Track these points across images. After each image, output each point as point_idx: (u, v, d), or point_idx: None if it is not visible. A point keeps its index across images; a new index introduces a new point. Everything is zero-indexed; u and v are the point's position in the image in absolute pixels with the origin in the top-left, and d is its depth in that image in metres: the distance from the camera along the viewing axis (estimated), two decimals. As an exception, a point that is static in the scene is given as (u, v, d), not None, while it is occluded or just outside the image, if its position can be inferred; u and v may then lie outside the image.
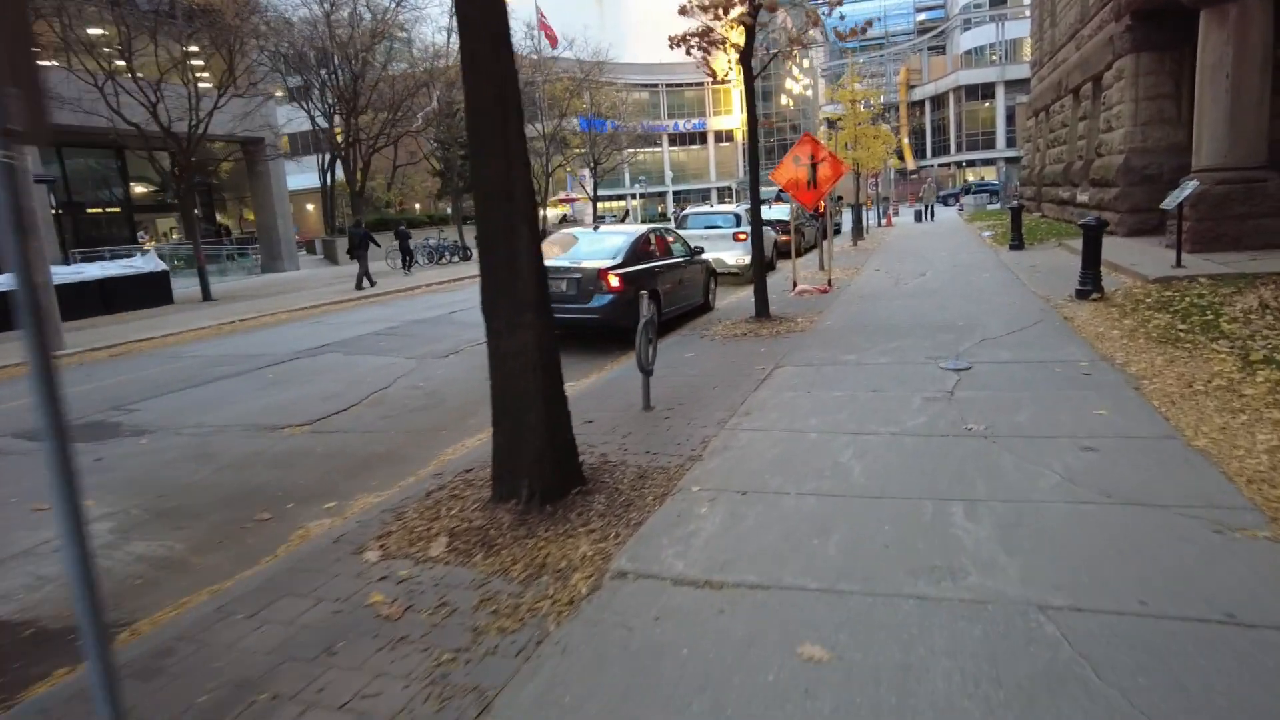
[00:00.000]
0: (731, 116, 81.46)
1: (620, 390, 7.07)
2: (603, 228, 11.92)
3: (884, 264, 16.52)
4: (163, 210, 30.60)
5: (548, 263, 5.02)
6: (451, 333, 11.74)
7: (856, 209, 24.57)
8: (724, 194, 78.12)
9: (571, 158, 42.80)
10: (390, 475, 5.23)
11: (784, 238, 21.19)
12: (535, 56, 38.04)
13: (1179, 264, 10.61)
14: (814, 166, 12.92)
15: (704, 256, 12.07)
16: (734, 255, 15.58)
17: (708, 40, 11.10)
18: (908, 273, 14.50)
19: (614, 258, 9.62)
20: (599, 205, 74.95)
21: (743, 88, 10.83)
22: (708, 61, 11.62)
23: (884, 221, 33.00)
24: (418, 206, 56.00)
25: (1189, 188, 11.01)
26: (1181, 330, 7.33)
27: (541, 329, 4.15)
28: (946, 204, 48.34)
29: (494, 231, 4.10)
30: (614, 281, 9.31)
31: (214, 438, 6.56)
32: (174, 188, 21.04)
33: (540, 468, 4.13)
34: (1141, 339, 7.25)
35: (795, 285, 13.18)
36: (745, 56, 10.36)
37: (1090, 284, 9.47)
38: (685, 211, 17.56)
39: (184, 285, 20.07)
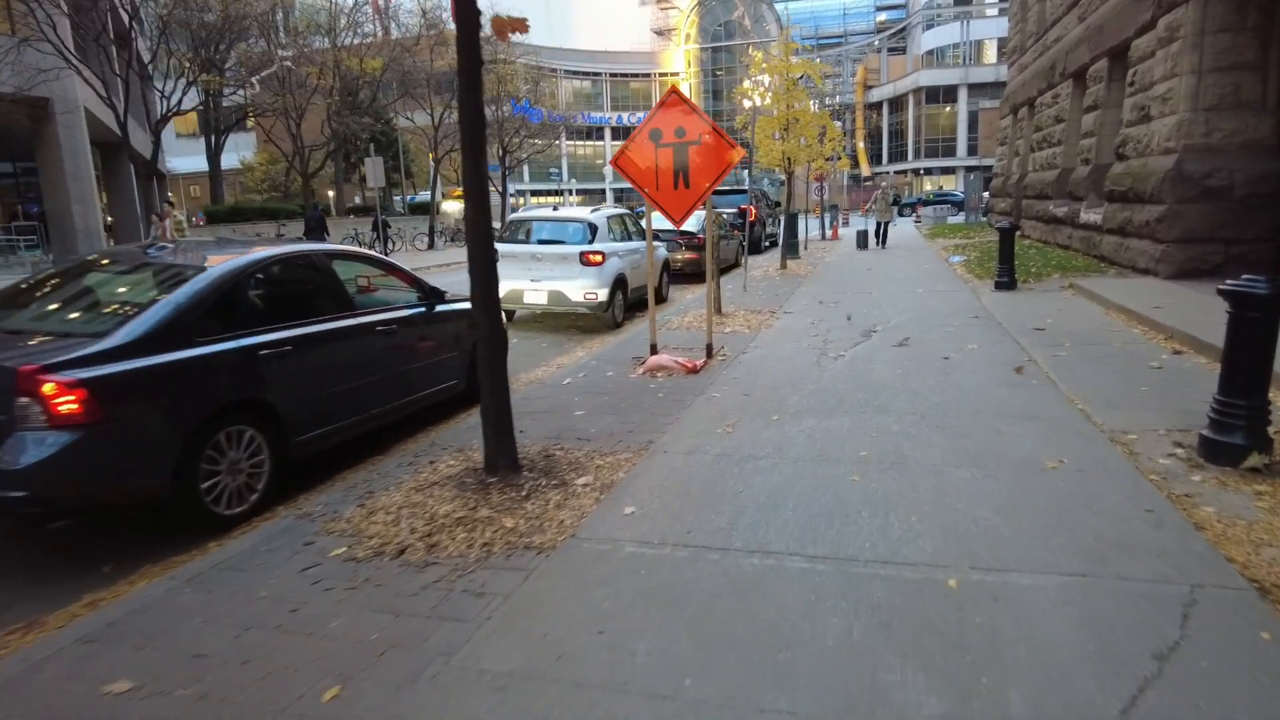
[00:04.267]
0: (680, 111, 75.99)
1: None
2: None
3: (811, 309, 11.03)
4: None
5: None
6: None
7: (790, 218, 19.14)
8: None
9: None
10: None
11: (688, 255, 15.66)
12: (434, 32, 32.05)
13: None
14: (683, 149, 7.36)
15: (451, 305, 6.39)
16: (581, 286, 9.93)
17: None
18: (843, 331, 9.00)
19: (115, 337, 3.88)
20: (532, 200, 69.02)
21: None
22: None
23: (830, 234, 27.73)
24: (331, 193, 49.40)
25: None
26: None
27: None
28: (903, 214, 43.54)
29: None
30: (67, 405, 3.57)
31: None
32: None
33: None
34: None
35: (650, 355, 7.59)
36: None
37: (1247, 434, 4.01)
38: (516, 215, 11.76)
39: None
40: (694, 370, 7.03)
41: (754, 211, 22.87)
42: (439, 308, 6.19)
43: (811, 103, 17.50)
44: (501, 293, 9.98)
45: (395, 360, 5.50)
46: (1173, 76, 10.27)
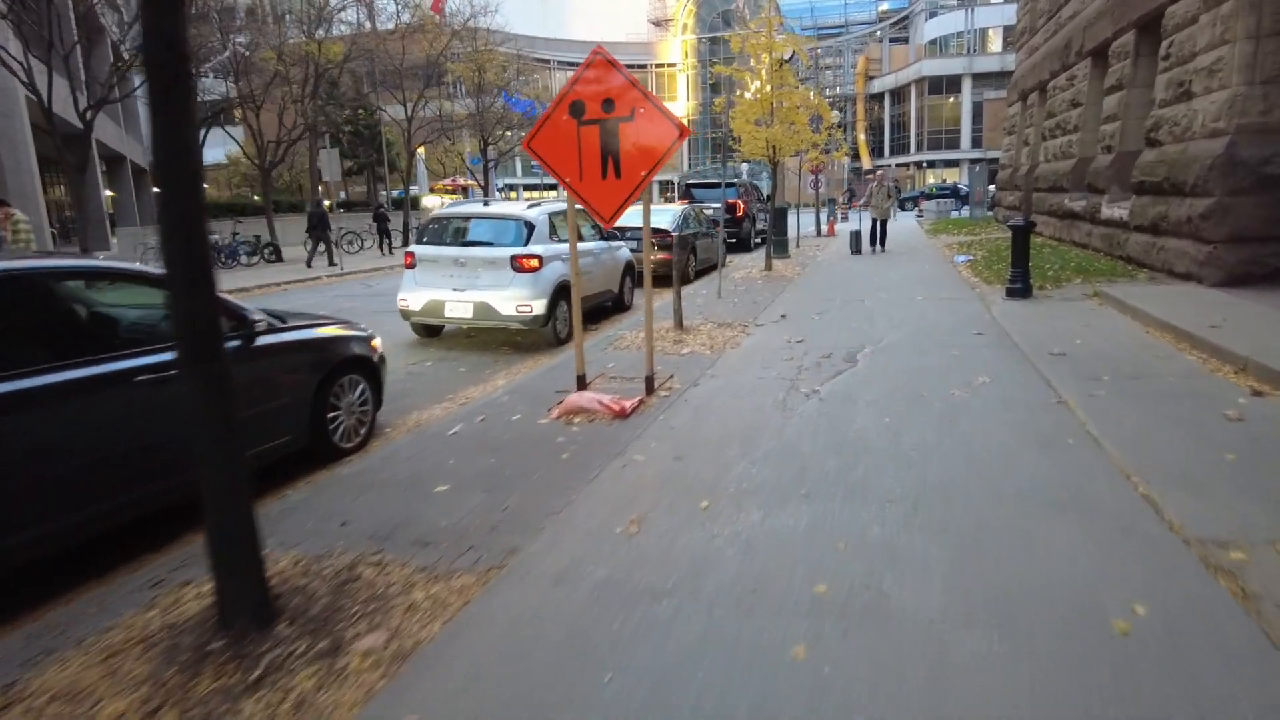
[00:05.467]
0: (676, 103, 74.30)
1: None
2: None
3: (791, 322, 9.41)
4: None
5: None
6: None
7: (779, 213, 17.49)
8: (665, 188, 71.11)
9: (458, 135, 35.16)
10: None
11: (661, 255, 13.99)
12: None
13: None
14: (612, 127, 5.76)
15: (281, 336, 4.75)
16: (512, 296, 8.30)
17: None
18: (824, 353, 7.37)
19: None
20: (524, 194, 67.22)
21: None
22: None
23: (826, 230, 26.03)
24: (320, 188, 47.69)
25: None
26: None
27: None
28: (904, 208, 41.83)
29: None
30: None
31: None
32: None
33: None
34: None
35: (577, 390, 5.97)
36: None
37: None
38: (439, 212, 10.03)
39: None
40: (622, 414, 5.41)
41: (742, 206, 21.28)
42: (263, 340, 4.56)
43: (810, 92, 15.78)
44: (418, 305, 8.40)
45: (158, 425, 3.84)
46: (1222, 44, 8.60)
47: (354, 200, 49.18)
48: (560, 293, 8.79)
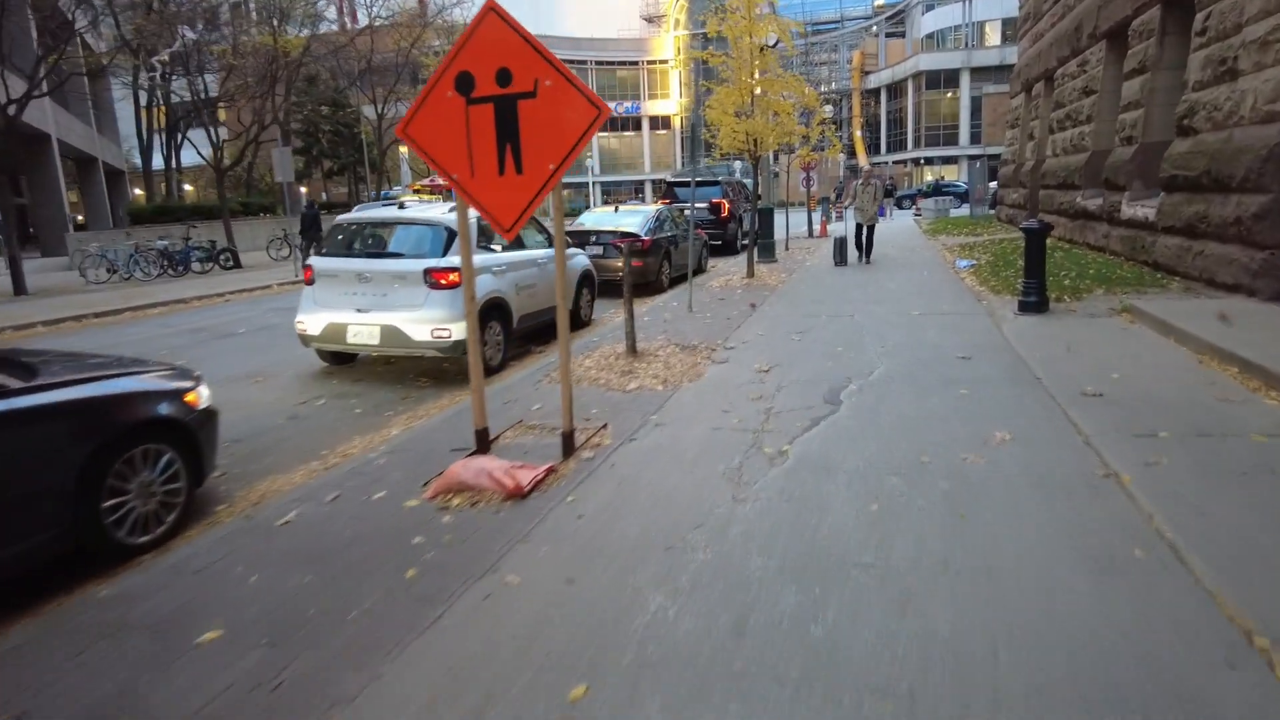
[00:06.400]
0: (669, 101, 72.97)
1: None
2: None
3: (765, 344, 8.02)
4: None
5: None
6: None
7: (764, 214, 16.11)
8: (656, 187, 69.74)
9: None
10: None
11: (631, 262, 12.54)
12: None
13: None
14: (510, 106, 4.35)
15: (44, 397, 3.36)
16: (426, 319, 6.87)
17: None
18: (800, 390, 5.97)
19: None
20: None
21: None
22: None
23: (819, 230, 24.61)
24: (303, 189, 46.17)
25: None
26: None
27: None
28: (901, 206, 40.45)
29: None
30: None
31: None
32: None
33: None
34: None
35: (460, 462, 4.56)
36: None
37: None
38: (345, 216, 8.40)
39: None
40: (517, 493, 4.00)
41: (727, 206, 19.86)
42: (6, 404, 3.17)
43: (795, 79, 14.36)
44: (316, 329, 6.88)
45: None
46: (1274, 12, 7.20)
47: (336, 201, 47.70)
48: (492, 312, 7.39)
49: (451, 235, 7.20)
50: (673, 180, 23.03)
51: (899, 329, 8.00)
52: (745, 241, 20.66)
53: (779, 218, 21.10)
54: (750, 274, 13.04)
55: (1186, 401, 4.94)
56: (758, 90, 12.07)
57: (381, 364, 8.10)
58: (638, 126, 74.12)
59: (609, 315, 10.83)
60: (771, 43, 14.52)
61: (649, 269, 12.45)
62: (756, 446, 4.59)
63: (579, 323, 9.65)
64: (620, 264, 12.29)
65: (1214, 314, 6.80)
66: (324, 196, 48.75)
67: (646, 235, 12.43)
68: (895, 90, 63.13)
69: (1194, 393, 5.12)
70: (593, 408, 5.63)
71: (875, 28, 69.91)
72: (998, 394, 5.41)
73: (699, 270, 15.40)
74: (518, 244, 8.38)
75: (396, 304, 6.94)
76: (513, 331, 7.86)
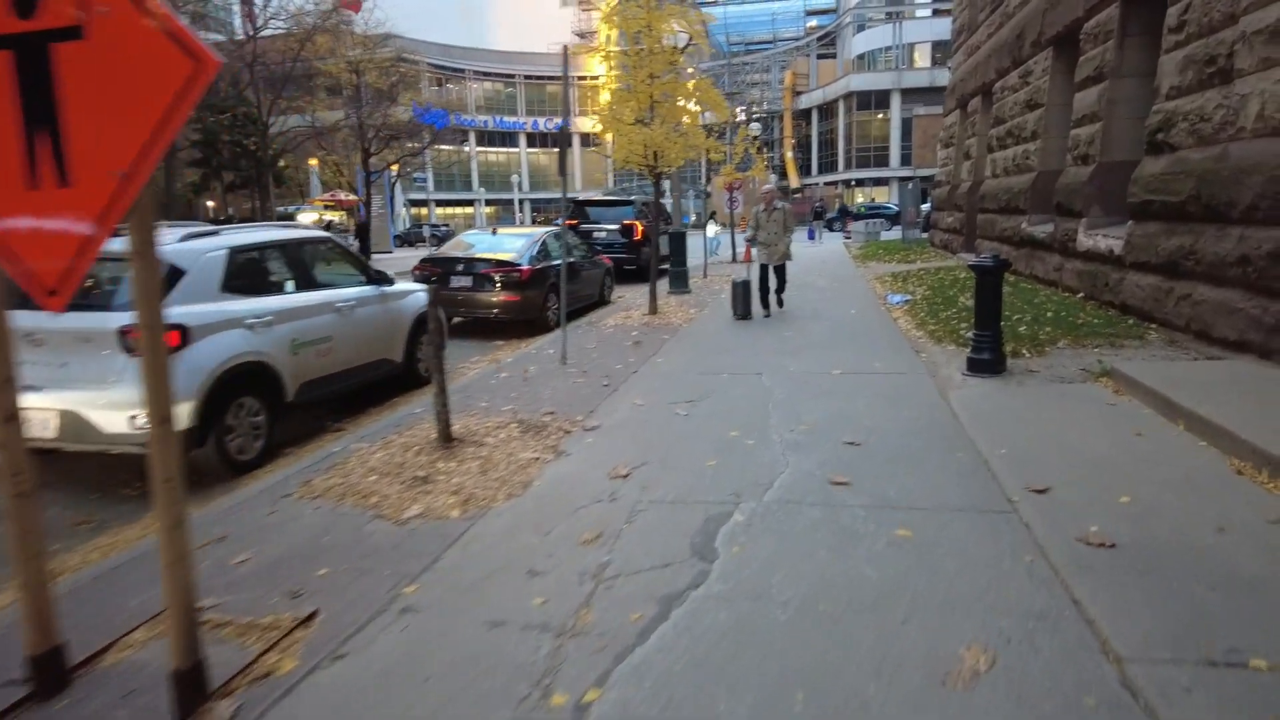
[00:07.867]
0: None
1: None
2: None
3: (642, 419, 6.02)
4: None
5: None
6: None
7: (676, 239, 14.23)
8: (551, 207, 67.87)
9: (337, 145, 31.02)
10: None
11: (504, 296, 10.42)
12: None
13: None
14: (40, 55, 2.03)
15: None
16: (123, 402, 4.56)
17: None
18: (664, 519, 3.92)
19: None
20: (436, 211, 62.76)
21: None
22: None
23: (742, 255, 22.84)
24: (211, 204, 42.53)
25: None
26: None
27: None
28: (832, 229, 39.38)
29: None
30: None
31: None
32: None
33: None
34: None
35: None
36: None
37: None
38: None
39: None
40: None
41: (641, 228, 17.90)
42: None
43: (701, 80, 12.52)
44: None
45: None
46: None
47: (240, 217, 44.25)
48: (241, 383, 5.16)
49: (175, 274, 4.94)
50: (583, 199, 21.02)
51: (818, 398, 6.05)
52: (663, 267, 18.75)
53: (698, 242, 19.29)
54: (653, 310, 11.03)
55: (1252, 559, 3.05)
56: (657, 94, 10.10)
57: (92, 455, 5.71)
58: (568, 143, 72.13)
59: (471, 363, 8.67)
60: (682, 45, 12.64)
61: (529, 304, 10.32)
62: (546, 683, 2.49)
63: (416, 380, 7.43)
64: (492, 296, 10.17)
65: (1234, 391, 5.03)
66: (229, 211, 45.23)
67: (527, 264, 10.32)
68: (827, 111, 62.81)
69: (1260, 543, 3.25)
70: (322, 565, 3.47)
71: (808, 47, 69.77)
72: (958, 542, 3.44)
73: (602, 302, 13.40)
74: (308, 282, 6.16)
75: (80, 378, 4.64)
76: (286, 405, 5.62)
